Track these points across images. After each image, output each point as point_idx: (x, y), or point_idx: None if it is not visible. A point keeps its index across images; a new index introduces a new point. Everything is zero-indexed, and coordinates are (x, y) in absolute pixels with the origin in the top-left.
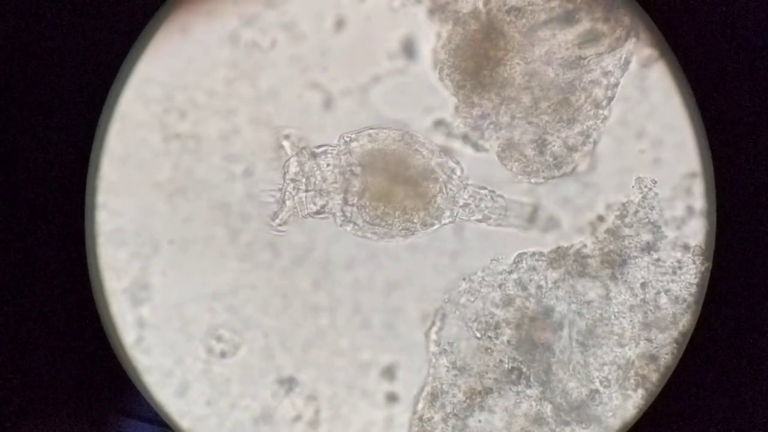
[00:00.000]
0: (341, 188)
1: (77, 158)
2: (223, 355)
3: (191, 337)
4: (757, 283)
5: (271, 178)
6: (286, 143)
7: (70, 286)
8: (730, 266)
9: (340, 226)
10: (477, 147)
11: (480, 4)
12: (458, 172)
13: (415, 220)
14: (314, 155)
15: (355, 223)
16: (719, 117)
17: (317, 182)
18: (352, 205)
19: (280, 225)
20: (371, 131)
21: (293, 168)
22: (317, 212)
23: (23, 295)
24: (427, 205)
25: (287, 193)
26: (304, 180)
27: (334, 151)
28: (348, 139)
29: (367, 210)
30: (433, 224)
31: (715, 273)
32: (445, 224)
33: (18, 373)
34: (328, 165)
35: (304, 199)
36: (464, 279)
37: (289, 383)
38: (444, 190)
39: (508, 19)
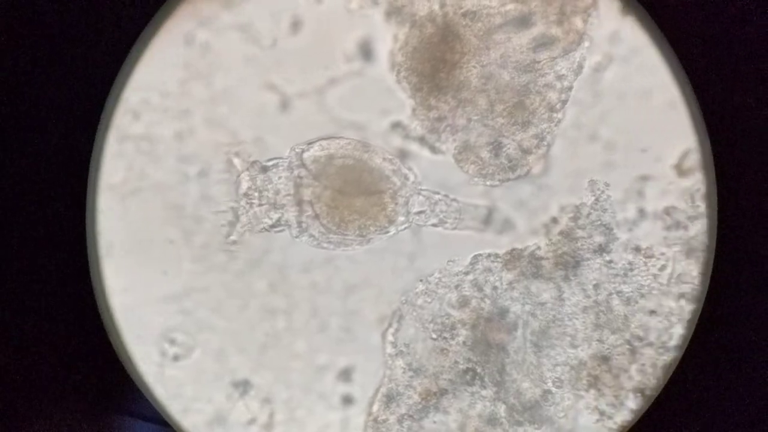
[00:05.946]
0: (295, 200)
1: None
2: (176, 358)
3: (144, 340)
4: (757, 284)
5: (226, 185)
6: (236, 160)
7: (71, 285)
8: (729, 266)
9: (296, 237)
10: (434, 149)
11: (436, 7)
12: (411, 178)
13: (370, 228)
14: (265, 169)
15: (311, 234)
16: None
17: (270, 196)
18: (307, 216)
19: (235, 241)
20: (323, 141)
21: (245, 183)
22: (273, 225)
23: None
24: (382, 212)
25: (241, 209)
26: (257, 194)
27: (286, 164)
28: (299, 151)
29: (322, 220)
30: (388, 230)
31: (716, 271)
32: (401, 230)
33: (18, 372)
34: (280, 178)
35: (258, 213)
36: (421, 280)
37: (243, 386)
38: (398, 196)
39: (464, 23)
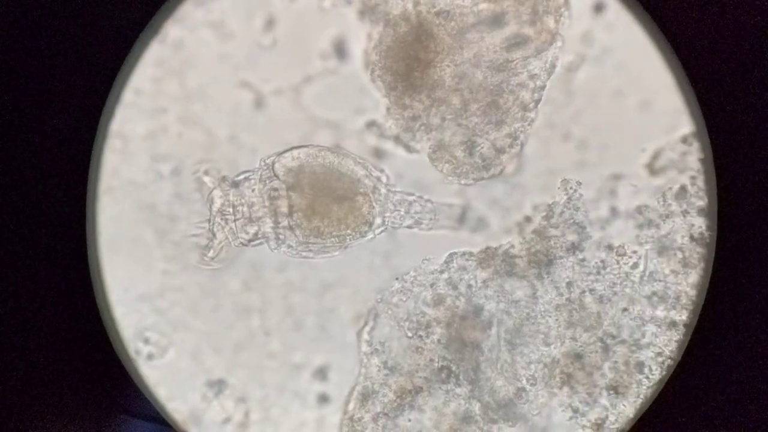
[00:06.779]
0: (270, 212)
1: None
2: (150, 357)
3: (117, 339)
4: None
5: (199, 202)
6: (206, 178)
7: (71, 286)
8: (730, 268)
9: (274, 250)
10: (409, 148)
11: (410, 6)
12: (384, 180)
13: (347, 233)
14: (236, 184)
15: (289, 245)
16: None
17: (245, 210)
18: (284, 227)
19: (213, 259)
20: (293, 151)
21: (218, 200)
22: (250, 240)
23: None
24: (358, 217)
25: (216, 226)
26: (230, 210)
27: (256, 176)
28: (270, 162)
29: (299, 229)
30: (366, 234)
31: (717, 273)
32: (378, 234)
33: (19, 372)
34: (252, 190)
35: (234, 228)
36: (397, 279)
37: (218, 386)
38: (372, 200)
39: (437, 22)
